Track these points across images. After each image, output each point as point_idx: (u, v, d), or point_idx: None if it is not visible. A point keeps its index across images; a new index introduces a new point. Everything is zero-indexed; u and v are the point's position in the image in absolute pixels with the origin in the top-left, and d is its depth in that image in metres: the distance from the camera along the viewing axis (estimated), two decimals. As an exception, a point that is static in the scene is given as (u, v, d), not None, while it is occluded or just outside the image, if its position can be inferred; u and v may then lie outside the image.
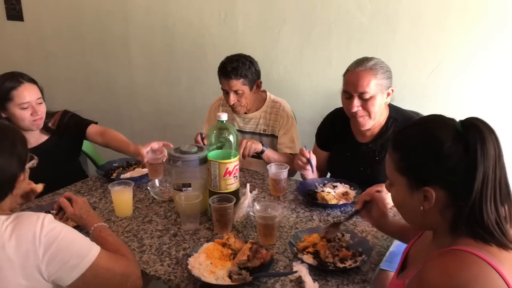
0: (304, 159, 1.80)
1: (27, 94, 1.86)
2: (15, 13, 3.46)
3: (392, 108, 1.90)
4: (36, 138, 1.98)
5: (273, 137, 2.24)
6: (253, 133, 2.26)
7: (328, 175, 2.06)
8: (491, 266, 0.86)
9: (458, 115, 1.00)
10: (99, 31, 3.17)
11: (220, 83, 2.13)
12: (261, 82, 2.19)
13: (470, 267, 0.87)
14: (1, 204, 1.11)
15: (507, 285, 0.86)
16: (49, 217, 1.07)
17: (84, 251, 1.07)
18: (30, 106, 1.87)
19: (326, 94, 2.45)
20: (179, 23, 2.82)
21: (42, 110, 1.91)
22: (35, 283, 1.03)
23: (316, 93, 2.50)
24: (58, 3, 3.28)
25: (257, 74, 2.16)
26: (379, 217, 1.32)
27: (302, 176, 1.93)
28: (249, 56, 2.15)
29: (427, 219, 1.00)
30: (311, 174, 1.86)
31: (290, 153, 2.16)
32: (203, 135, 2.04)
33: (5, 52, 3.69)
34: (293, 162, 2.08)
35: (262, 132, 2.24)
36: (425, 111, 1.74)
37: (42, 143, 1.99)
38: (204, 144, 1.96)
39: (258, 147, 2.01)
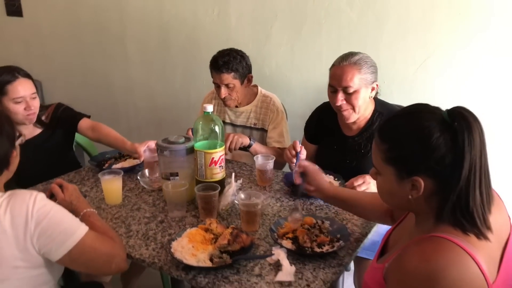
0: (294, 152, 1.83)
1: (22, 89, 1.89)
2: (14, 9, 3.52)
3: (378, 102, 1.94)
4: (29, 131, 2.02)
5: (263, 131, 2.28)
6: (244, 126, 2.30)
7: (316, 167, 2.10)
8: (467, 253, 0.89)
9: (445, 108, 1.02)
10: (96, 28, 3.22)
11: (212, 77, 2.18)
12: (252, 77, 2.24)
13: (447, 253, 0.90)
14: None
15: (482, 272, 0.89)
16: (41, 195, 1.14)
17: (72, 229, 1.14)
18: (24, 101, 1.90)
19: (317, 89, 2.50)
20: (174, 20, 2.87)
21: (35, 105, 1.95)
22: (28, 255, 1.11)
23: (307, 88, 2.55)
24: (56, 0, 3.33)
25: (248, 68, 2.20)
26: (316, 182, 1.43)
27: (290, 168, 1.98)
28: (240, 51, 2.19)
29: (413, 206, 1.03)
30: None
31: (279, 147, 2.21)
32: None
33: (5, 47, 3.75)
34: (281, 156, 2.13)
35: (252, 125, 2.29)
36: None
37: (35, 136, 2.04)
38: None
39: (245, 141, 2.04)
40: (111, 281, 1.99)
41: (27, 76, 1.96)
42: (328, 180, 1.51)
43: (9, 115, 1.90)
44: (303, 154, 1.87)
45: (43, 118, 2.07)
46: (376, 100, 1.95)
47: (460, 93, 2.15)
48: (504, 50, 2.04)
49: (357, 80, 1.76)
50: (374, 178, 1.10)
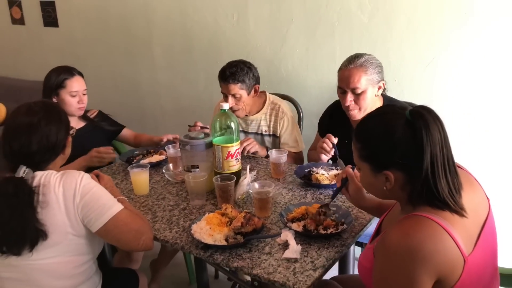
0: (330, 144, 1.94)
1: (77, 84, 2.26)
2: (51, 20, 3.78)
3: (386, 99, 2.06)
4: (75, 123, 2.31)
5: (275, 137, 2.37)
6: (255, 133, 2.39)
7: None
8: (443, 228, 1.02)
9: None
10: (124, 35, 3.44)
11: (220, 87, 2.29)
12: (258, 87, 2.30)
13: (425, 228, 1.03)
14: (54, 162, 1.42)
15: (457, 245, 1.02)
16: (87, 174, 1.38)
17: (109, 204, 1.36)
18: (77, 95, 2.26)
19: (331, 88, 2.61)
20: (196, 26, 3.05)
21: (85, 100, 2.31)
22: (75, 223, 1.33)
23: (322, 87, 2.68)
24: (88, 11, 3.57)
25: (255, 79, 2.27)
26: (355, 191, 1.45)
27: (321, 159, 2.04)
28: (248, 62, 2.28)
29: (392, 194, 1.17)
30: (326, 159, 2.01)
31: (294, 152, 2.32)
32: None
33: (42, 56, 4.02)
34: (297, 159, 2.27)
35: (264, 133, 2.38)
36: (422, 102, 1.89)
37: (79, 128, 2.32)
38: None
39: (263, 152, 2.18)
40: (139, 269, 2.17)
41: (81, 74, 2.33)
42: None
43: (63, 106, 2.20)
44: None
45: (88, 114, 2.40)
46: (385, 97, 2.06)
47: (468, 90, 2.24)
48: None
49: (364, 81, 1.88)
50: (359, 173, 1.24)
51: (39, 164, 1.37)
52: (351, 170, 1.44)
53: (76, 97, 2.26)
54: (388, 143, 1.09)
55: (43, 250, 1.31)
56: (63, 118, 1.44)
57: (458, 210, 1.06)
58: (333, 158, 2.00)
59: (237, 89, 2.21)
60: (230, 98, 2.24)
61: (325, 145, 1.96)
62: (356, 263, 1.92)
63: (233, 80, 2.19)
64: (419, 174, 1.06)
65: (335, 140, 1.94)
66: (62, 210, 1.31)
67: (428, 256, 0.99)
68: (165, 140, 2.26)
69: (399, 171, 1.10)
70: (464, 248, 1.03)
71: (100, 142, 2.34)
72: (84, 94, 2.29)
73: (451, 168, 1.08)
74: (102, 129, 2.42)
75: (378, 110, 1.24)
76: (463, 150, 2.25)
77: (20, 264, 1.33)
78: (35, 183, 1.32)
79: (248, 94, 2.26)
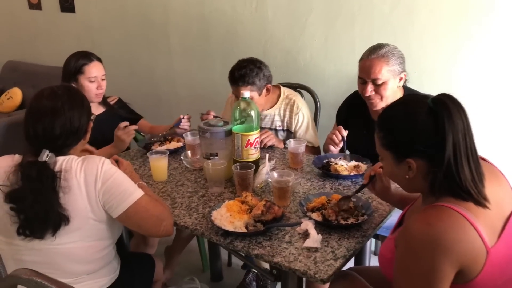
0: (340, 137, 1.95)
1: (95, 70, 2.27)
2: (68, 5, 3.79)
3: (407, 90, 2.04)
4: (94, 108, 2.28)
5: (289, 132, 2.33)
6: (269, 128, 2.34)
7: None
8: (465, 218, 1.02)
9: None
10: (141, 21, 3.43)
11: (231, 87, 2.22)
12: (270, 87, 2.23)
13: (447, 218, 1.03)
14: (75, 147, 1.42)
15: (480, 236, 1.01)
16: (108, 160, 1.38)
17: (130, 191, 1.35)
18: (96, 81, 2.27)
19: (350, 79, 2.59)
20: (214, 13, 3.03)
21: (104, 85, 2.32)
22: (96, 209, 1.33)
23: (340, 78, 2.66)
24: (105, -4, 3.58)
25: (266, 79, 2.18)
26: (382, 190, 1.45)
27: (330, 150, 2.03)
28: (258, 61, 2.18)
29: (415, 184, 1.16)
30: (336, 150, 2.01)
31: (311, 146, 2.30)
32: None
33: (59, 42, 4.04)
34: (314, 152, 2.26)
35: (277, 127, 2.34)
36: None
37: (99, 114, 2.33)
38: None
39: (280, 145, 2.16)
40: (155, 254, 2.19)
41: (99, 60, 2.33)
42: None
43: (82, 91, 2.17)
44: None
45: (108, 100, 2.41)
46: (406, 88, 2.04)
47: (490, 84, 2.20)
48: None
49: (386, 72, 1.86)
50: (381, 163, 1.24)
51: (62, 148, 1.37)
52: (380, 170, 1.42)
53: (94, 82, 2.26)
54: (410, 131, 1.09)
55: (65, 234, 1.32)
56: (85, 103, 1.45)
57: (481, 200, 1.05)
58: (341, 150, 2.02)
59: (248, 91, 2.12)
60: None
61: (334, 137, 1.96)
62: (372, 256, 1.93)
63: (242, 83, 2.11)
64: (442, 163, 1.05)
65: (345, 133, 1.94)
66: (83, 196, 1.32)
67: (450, 246, 0.99)
68: (181, 117, 2.27)
69: (421, 160, 1.10)
70: (487, 239, 1.02)
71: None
72: (102, 80, 2.30)
73: (474, 157, 1.07)
74: (120, 116, 2.41)
75: (401, 99, 1.26)
76: (485, 144, 2.22)
77: (43, 248, 1.34)
78: (57, 168, 1.32)
79: (260, 94, 2.19)
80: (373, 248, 2.48)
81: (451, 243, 0.99)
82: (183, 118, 2.28)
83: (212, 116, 2.13)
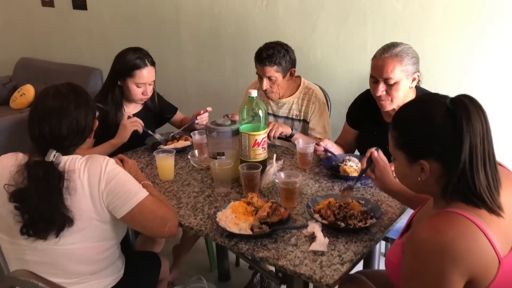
0: (322, 152, 1.92)
1: (146, 76, 2.16)
2: (80, 2, 3.80)
3: (420, 91, 1.98)
4: (133, 107, 2.30)
5: (305, 122, 2.33)
6: (286, 117, 2.36)
7: (357, 152, 2.18)
8: (477, 226, 0.97)
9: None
10: (152, 18, 3.43)
11: (256, 68, 2.25)
12: (294, 71, 2.27)
13: (457, 226, 0.98)
14: (81, 146, 1.40)
15: (492, 245, 0.97)
16: (112, 160, 1.36)
17: (135, 191, 1.33)
18: (144, 86, 2.17)
19: (361, 78, 2.55)
20: (225, 10, 3.01)
21: (150, 91, 2.22)
22: (100, 209, 1.32)
23: (352, 77, 2.61)
24: (117, -7, 3.58)
25: (292, 62, 2.23)
26: (381, 172, 1.43)
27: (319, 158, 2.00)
28: (285, 45, 2.23)
29: (426, 187, 1.12)
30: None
31: (320, 139, 2.27)
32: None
33: (71, 38, 4.06)
34: None
35: (294, 117, 2.35)
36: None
37: (137, 113, 2.29)
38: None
39: (287, 130, 2.10)
40: (161, 253, 2.18)
41: (153, 64, 2.22)
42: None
43: (126, 92, 2.18)
44: (331, 146, 1.96)
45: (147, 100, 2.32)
46: (418, 89, 1.99)
47: (507, 85, 2.14)
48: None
49: (398, 72, 1.81)
50: (393, 163, 1.19)
51: (68, 148, 1.35)
52: (375, 152, 1.41)
53: (141, 88, 2.18)
54: (426, 131, 1.05)
55: (69, 235, 1.31)
56: (90, 102, 1.42)
57: (494, 208, 1.01)
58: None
59: (273, 71, 2.17)
60: (265, 80, 2.20)
61: (318, 152, 1.93)
62: (382, 258, 1.88)
63: (269, 63, 2.15)
64: (457, 166, 1.01)
65: (322, 147, 1.91)
66: (87, 196, 1.30)
67: (460, 255, 0.95)
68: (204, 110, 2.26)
69: (436, 162, 1.05)
70: (500, 249, 0.98)
71: (152, 126, 2.34)
72: (150, 85, 2.21)
73: (491, 162, 1.03)
74: (156, 114, 2.38)
75: (418, 98, 1.22)
76: (500, 147, 2.16)
77: (46, 248, 1.33)
78: (60, 168, 1.30)
79: (284, 77, 2.22)
80: (383, 251, 2.43)
81: (461, 252, 0.95)
82: (203, 112, 2.26)
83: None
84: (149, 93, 2.21)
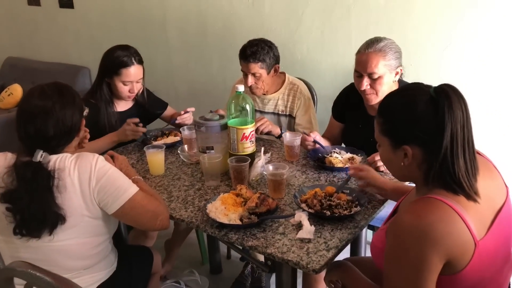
0: (311, 142, 1.97)
1: (133, 74, 2.18)
2: (66, 1, 3.80)
3: (402, 84, 2.04)
4: (123, 104, 2.32)
5: (291, 117, 2.38)
6: (272, 113, 2.40)
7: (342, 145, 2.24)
8: (455, 211, 1.03)
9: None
10: (139, 17, 3.44)
11: (240, 65, 2.28)
12: (279, 67, 2.32)
13: (437, 210, 1.04)
14: (70, 144, 1.41)
15: (468, 228, 1.03)
16: (102, 157, 1.38)
17: (125, 187, 1.36)
18: (130, 84, 2.19)
19: (346, 72, 2.59)
20: (211, 8, 3.04)
21: (138, 87, 2.24)
22: (91, 206, 1.34)
23: (337, 71, 2.66)
24: (103, -9, 3.58)
25: (276, 59, 2.27)
26: (370, 179, 1.55)
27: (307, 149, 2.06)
28: (269, 41, 2.27)
29: (409, 173, 1.18)
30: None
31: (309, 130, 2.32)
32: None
33: (58, 37, 4.06)
34: None
35: (280, 112, 2.39)
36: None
37: (126, 110, 2.32)
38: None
39: (276, 131, 2.16)
40: (153, 247, 2.22)
41: (140, 62, 2.23)
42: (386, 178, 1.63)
43: (114, 89, 2.20)
44: (319, 139, 2.00)
45: (138, 97, 2.33)
46: (401, 82, 2.04)
47: (485, 75, 2.21)
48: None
49: (382, 67, 1.86)
50: (378, 150, 1.25)
51: (56, 148, 1.37)
52: (352, 171, 1.59)
53: (128, 86, 2.19)
54: (409, 117, 1.10)
55: (61, 232, 1.33)
56: (76, 100, 1.41)
57: (471, 193, 1.06)
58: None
59: (257, 68, 2.22)
60: (250, 77, 2.24)
61: (306, 142, 1.98)
62: (367, 246, 1.94)
63: (253, 59, 2.19)
64: (438, 152, 1.06)
65: (312, 138, 1.96)
66: (77, 194, 1.32)
67: (439, 238, 1.01)
68: (185, 111, 2.29)
69: (418, 147, 1.11)
70: (476, 232, 1.04)
71: (144, 122, 2.33)
72: (137, 82, 2.22)
73: (470, 149, 1.08)
74: (147, 111, 2.39)
75: (403, 86, 1.29)
76: (481, 135, 2.23)
77: (40, 246, 1.35)
78: (50, 167, 1.32)
79: (268, 73, 2.26)
80: (369, 239, 2.49)
81: (440, 235, 1.01)
82: (184, 113, 2.29)
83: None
84: (136, 91, 2.23)
